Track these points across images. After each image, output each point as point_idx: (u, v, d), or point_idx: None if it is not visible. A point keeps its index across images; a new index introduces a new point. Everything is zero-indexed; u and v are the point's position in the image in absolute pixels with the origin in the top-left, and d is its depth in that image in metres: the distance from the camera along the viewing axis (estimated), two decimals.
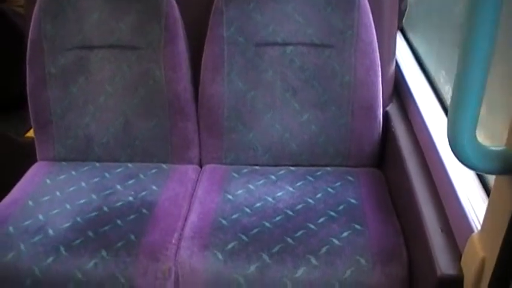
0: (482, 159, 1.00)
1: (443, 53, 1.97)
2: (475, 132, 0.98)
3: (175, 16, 2.01)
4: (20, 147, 2.58)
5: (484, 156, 1.00)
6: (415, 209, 1.55)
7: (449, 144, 1.01)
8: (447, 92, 1.83)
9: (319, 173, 2.00)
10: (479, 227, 1.24)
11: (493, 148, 1.01)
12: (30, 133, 2.25)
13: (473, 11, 0.90)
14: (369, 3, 1.97)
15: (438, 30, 2.06)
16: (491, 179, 1.34)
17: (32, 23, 2.03)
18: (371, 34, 1.97)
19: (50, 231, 1.72)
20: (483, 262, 1.14)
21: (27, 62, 2.06)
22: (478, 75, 0.94)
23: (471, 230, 1.27)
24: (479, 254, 1.15)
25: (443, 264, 1.31)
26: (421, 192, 1.59)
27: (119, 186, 1.95)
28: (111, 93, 2.05)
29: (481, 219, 1.22)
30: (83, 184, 1.97)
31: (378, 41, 1.99)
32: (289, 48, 1.99)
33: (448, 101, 1.81)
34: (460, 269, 1.27)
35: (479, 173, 1.42)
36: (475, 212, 1.33)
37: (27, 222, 1.76)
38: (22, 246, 1.67)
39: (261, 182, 1.96)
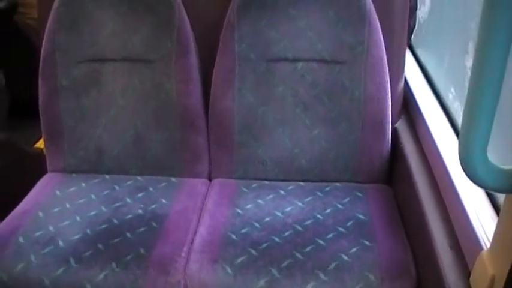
0: (493, 178, 1.01)
1: (452, 70, 1.98)
2: (486, 151, 0.99)
3: (187, 29, 2.02)
4: (29, 158, 2.60)
5: (495, 175, 1.01)
6: (424, 225, 1.55)
7: (461, 163, 1.01)
8: (456, 109, 1.84)
9: (328, 189, 2.01)
10: (488, 245, 1.25)
11: (504, 167, 1.02)
12: (39, 144, 2.27)
13: (487, 29, 0.91)
14: (379, 20, 1.98)
15: (447, 47, 2.07)
16: (500, 196, 1.34)
17: (45, 35, 2.05)
18: (381, 50, 1.98)
19: (60, 243, 1.73)
20: (493, 280, 1.14)
21: (39, 74, 2.07)
22: (490, 94, 0.95)
23: (480, 248, 1.28)
24: (488, 272, 1.15)
25: (452, 282, 1.31)
26: (430, 209, 1.60)
27: (128, 199, 1.96)
28: (123, 105, 2.06)
29: (490, 237, 1.22)
30: (93, 196, 1.98)
31: (387, 57, 2.00)
32: (300, 64, 2.00)
33: (457, 117, 1.82)
34: (469, 286, 1.28)
35: (490, 191, 1.43)
36: (484, 230, 1.33)
37: (37, 234, 1.77)
38: (32, 257, 1.68)
39: (270, 196, 1.97)
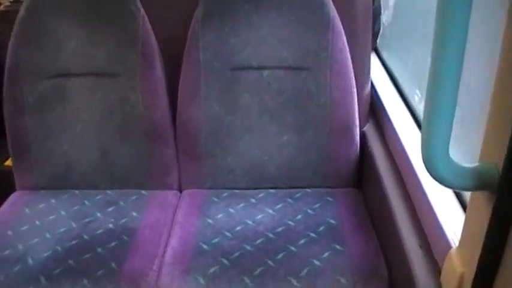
0: (456, 177, 1.01)
1: (417, 72, 2.00)
2: (448, 150, 1.00)
3: (152, 42, 2.02)
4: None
5: (458, 173, 1.02)
6: (393, 227, 1.56)
7: (424, 162, 1.02)
8: (422, 111, 1.85)
9: (298, 195, 2.01)
10: (457, 243, 1.26)
11: (466, 165, 1.03)
12: (9, 161, 2.24)
13: (442, 30, 0.92)
14: (342, 25, 1.99)
15: (411, 49, 2.09)
16: (467, 195, 1.35)
17: (8, 52, 2.03)
18: (345, 55, 1.99)
19: (30, 261, 1.71)
20: (462, 277, 1.15)
21: (4, 90, 2.05)
22: (448, 94, 0.95)
23: (449, 246, 1.29)
24: (457, 270, 1.16)
25: (423, 281, 1.32)
26: (399, 211, 1.61)
27: (98, 214, 1.95)
28: (88, 120, 2.05)
29: (459, 235, 1.23)
30: (63, 212, 1.96)
31: (352, 62, 2.01)
32: (265, 72, 2.01)
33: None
34: (439, 285, 1.28)
35: (454, 189, 1.44)
36: (452, 228, 1.34)
37: (6, 252, 1.75)
38: (1, 277, 1.66)
39: (241, 205, 1.96)
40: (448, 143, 0.99)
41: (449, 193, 1.47)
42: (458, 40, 0.91)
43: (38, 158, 2.08)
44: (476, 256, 1.05)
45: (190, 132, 2.03)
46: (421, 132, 1.02)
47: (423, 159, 1.02)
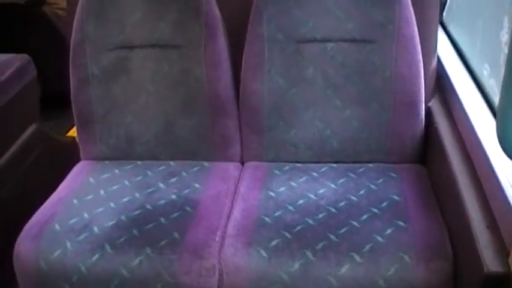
0: None
1: (486, 46, 1.94)
2: None
3: (215, 14, 2.01)
4: (62, 146, 2.62)
5: None
6: (459, 205, 1.53)
7: (499, 141, 0.99)
8: (491, 86, 1.81)
9: (361, 170, 1.99)
10: None
11: None
12: (71, 132, 2.28)
13: None
14: None
15: (480, 22, 2.03)
16: None
17: (74, 25, 2.06)
18: (412, 28, 1.95)
19: (95, 229, 1.75)
20: None
21: (70, 63, 2.08)
22: None
23: None
24: None
25: (490, 262, 1.29)
26: (465, 189, 1.57)
27: (161, 185, 1.97)
28: (152, 92, 2.07)
29: None
30: (126, 182, 1.99)
31: (419, 35, 1.97)
32: (329, 45, 1.98)
33: (492, 95, 1.78)
34: (508, 266, 1.26)
35: None
36: None
37: (72, 221, 1.79)
38: (68, 244, 1.70)
39: (303, 179, 1.96)
40: None
41: None
42: None
43: (102, 128, 2.12)
44: None
45: (253, 105, 2.03)
46: (497, 110, 0.99)
47: (498, 138, 1.00)
